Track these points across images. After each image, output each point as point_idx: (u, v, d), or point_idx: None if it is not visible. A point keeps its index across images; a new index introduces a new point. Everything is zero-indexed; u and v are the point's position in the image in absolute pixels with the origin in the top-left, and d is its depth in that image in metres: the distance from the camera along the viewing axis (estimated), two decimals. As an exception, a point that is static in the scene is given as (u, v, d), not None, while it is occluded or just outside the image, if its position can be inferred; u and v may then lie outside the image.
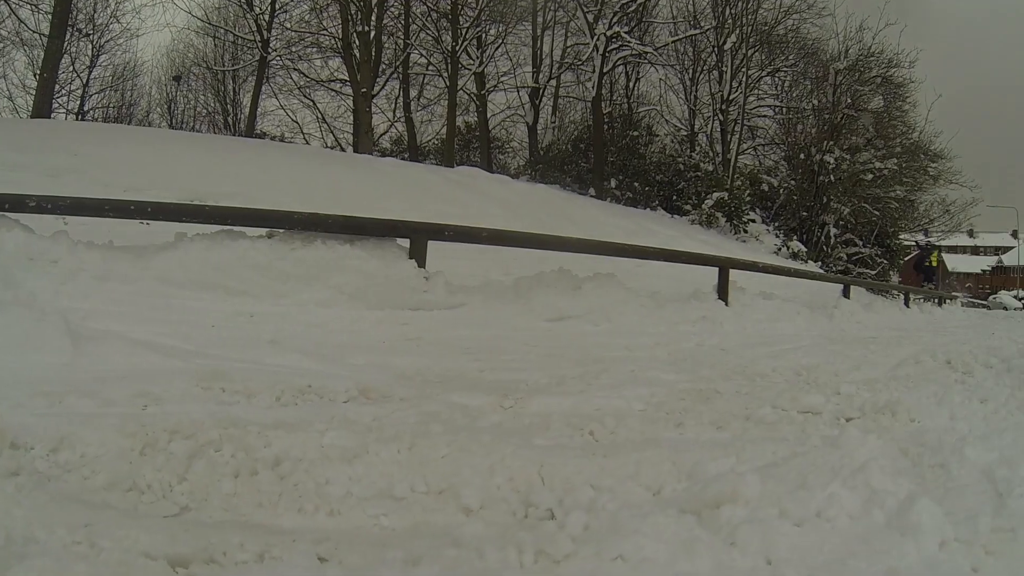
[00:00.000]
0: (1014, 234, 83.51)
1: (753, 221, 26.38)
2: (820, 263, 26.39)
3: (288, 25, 30.17)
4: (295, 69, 31.87)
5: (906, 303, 18.68)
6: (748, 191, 27.27)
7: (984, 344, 8.07)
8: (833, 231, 28.03)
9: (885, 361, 6.57)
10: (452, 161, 27.01)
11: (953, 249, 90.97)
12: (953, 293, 34.50)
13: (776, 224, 28.56)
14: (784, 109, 31.87)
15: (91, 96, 34.17)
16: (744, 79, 29.06)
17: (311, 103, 33.82)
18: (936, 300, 22.94)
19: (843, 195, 28.35)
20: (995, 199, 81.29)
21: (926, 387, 4.84)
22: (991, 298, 53.67)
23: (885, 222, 30.56)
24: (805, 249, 26.05)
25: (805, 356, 6.49)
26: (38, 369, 3.51)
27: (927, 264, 28.58)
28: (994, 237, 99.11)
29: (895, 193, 29.93)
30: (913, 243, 31.47)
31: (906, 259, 32.52)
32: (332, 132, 35.02)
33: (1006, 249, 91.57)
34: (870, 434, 3.00)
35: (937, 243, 34.54)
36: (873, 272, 28.66)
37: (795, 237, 27.04)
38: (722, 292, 10.06)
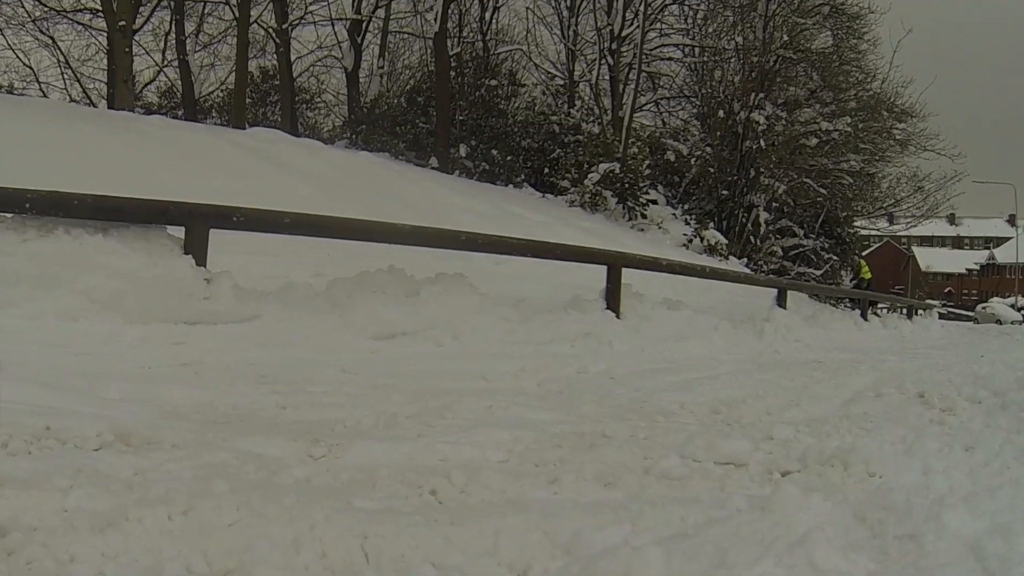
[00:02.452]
0: (1011, 220, 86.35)
1: (654, 202, 26.93)
2: (746, 260, 27.11)
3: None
4: (27, -6, 31.16)
5: (863, 315, 19.31)
6: (648, 161, 27.77)
7: (970, 371, 8.38)
8: (764, 216, 28.78)
9: (835, 394, 6.84)
10: (243, 121, 26.91)
11: (928, 241, 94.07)
12: (928, 301, 35.66)
13: (686, 207, 29.24)
14: (697, 50, 32.53)
15: None
16: (642, 8, 29.57)
17: (50, 41, 33.36)
18: (904, 311, 23.71)
19: (777, 167, 29.11)
20: (985, 173, 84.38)
21: (891, 430, 5.01)
22: (979, 308, 55.78)
23: (835, 203, 31.50)
24: (726, 241, 26.75)
25: (725, 387, 6.74)
26: None
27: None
28: (983, 224, 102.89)
29: (849, 164, 30.85)
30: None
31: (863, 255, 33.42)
32: (79, 81, 35.20)
33: (1000, 240, 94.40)
34: (814, 493, 3.10)
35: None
36: (819, 272, 29.45)
37: (712, 224, 27.67)
38: (612, 299, 10.30)
